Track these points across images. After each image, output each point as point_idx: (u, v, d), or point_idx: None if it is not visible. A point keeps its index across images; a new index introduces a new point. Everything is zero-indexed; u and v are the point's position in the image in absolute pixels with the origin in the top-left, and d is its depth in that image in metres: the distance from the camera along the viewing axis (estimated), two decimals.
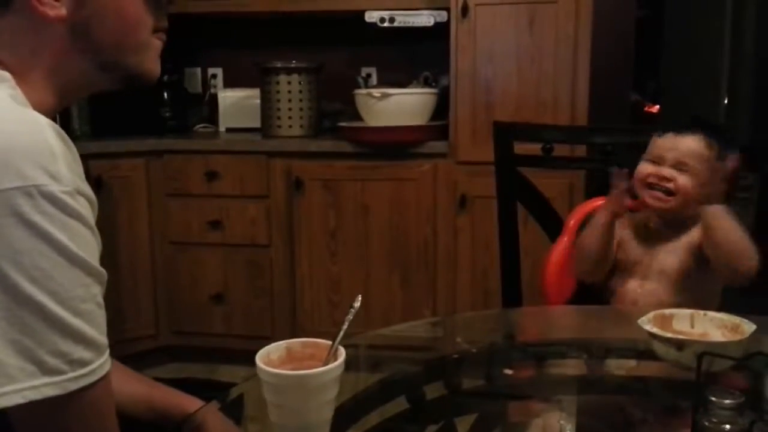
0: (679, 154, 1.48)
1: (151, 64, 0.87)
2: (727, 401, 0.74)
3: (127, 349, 2.78)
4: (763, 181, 3.33)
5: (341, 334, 0.88)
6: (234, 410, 1.02)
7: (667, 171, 1.48)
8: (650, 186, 1.50)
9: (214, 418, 1.00)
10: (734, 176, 1.49)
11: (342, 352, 0.86)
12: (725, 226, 1.42)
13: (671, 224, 1.53)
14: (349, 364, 0.83)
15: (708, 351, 0.80)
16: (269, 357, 0.88)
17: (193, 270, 2.92)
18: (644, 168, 1.52)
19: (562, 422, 0.79)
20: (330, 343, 0.88)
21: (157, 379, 1.12)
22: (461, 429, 1.07)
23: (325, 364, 0.84)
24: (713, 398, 0.74)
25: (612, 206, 1.52)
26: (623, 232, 1.58)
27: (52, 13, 0.78)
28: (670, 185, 1.48)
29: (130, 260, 2.84)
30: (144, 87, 0.89)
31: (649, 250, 1.55)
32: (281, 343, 0.90)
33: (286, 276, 2.90)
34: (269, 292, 2.92)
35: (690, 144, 1.49)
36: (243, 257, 2.89)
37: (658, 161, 1.51)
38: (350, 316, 0.90)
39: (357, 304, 0.92)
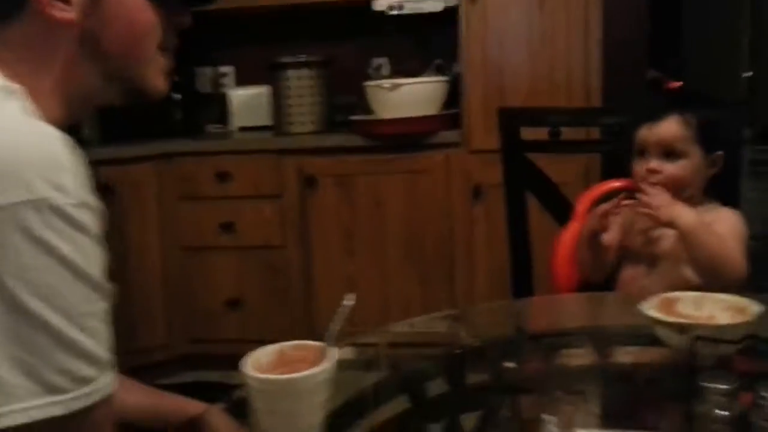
0: (659, 141, 1.48)
1: (155, 79, 0.86)
2: (721, 387, 0.71)
3: (139, 359, 2.64)
4: None
5: (333, 334, 0.87)
6: (239, 411, 1.00)
7: (654, 163, 1.48)
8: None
9: (217, 419, 1.00)
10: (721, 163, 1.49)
11: (333, 353, 0.85)
12: (702, 241, 1.38)
13: None
14: (350, 363, 0.81)
15: (702, 335, 0.77)
16: (260, 361, 0.87)
17: (206, 275, 2.87)
18: (636, 165, 1.52)
19: (544, 416, 0.77)
20: (323, 344, 0.86)
21: (163, 387, 1.11)
22: (466, 426, 1.05)
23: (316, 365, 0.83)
24: (706, 384, 0.71)
25: (592, 225, 1.51)
26: (628, 220, 1.55)
27: (59, 15, 0.77)
28: (660, 177, 1.46)
29: (140, 268, 2.78)
30: (148, 102, 0.88)
31: (654, 236, 1.52)
32: (273, 347, 0.90)
33: (301, 277, 2.84)
34: (285, 295, 2.85)
35: (666, 129, 1.48)
36: (257, 259, 2.84)
37: (643, 153, 1.50)
38: (341, 316, 0.89)
39: (348, 302, 0.90)
